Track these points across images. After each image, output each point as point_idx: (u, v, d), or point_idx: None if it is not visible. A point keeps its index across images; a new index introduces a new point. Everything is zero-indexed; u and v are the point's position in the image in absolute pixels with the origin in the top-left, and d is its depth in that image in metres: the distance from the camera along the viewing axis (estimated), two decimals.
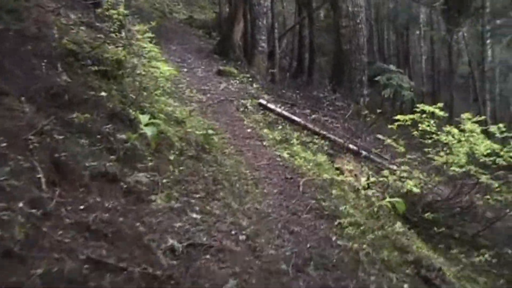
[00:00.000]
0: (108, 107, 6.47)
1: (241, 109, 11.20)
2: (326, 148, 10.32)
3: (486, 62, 23.15)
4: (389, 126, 9.59)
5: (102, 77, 7.17)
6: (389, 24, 30.09)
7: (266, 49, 15.20)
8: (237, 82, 13.19)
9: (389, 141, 9.73)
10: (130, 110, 6.63)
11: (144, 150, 6.15)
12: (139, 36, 13.11)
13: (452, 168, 8.07)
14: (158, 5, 27.71)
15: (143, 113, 7.00)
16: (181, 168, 6.41)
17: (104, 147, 5.64)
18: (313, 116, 12.49)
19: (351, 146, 10.92)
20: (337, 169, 9.33)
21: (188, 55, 15.96)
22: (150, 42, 15.09)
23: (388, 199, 7.39)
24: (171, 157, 6.49)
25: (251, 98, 12.22)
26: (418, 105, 9.29)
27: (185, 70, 13.84)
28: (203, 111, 10.62)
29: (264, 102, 11.34)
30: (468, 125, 8.72)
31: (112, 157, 5.56)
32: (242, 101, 11.63)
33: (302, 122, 11.06)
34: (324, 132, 11.02)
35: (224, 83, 12.88)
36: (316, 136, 10.99)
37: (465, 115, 9.13)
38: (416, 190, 7.85)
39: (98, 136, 5.79)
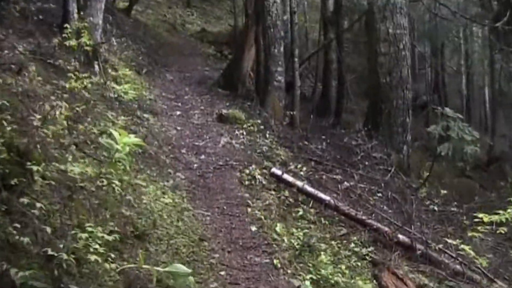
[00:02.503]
0: None
1: (247, 183, 7.99)
2: (366, 249, 7.02)
3: None
4: (469, 234, 6.40)
5: None
6: (423, 39, 26.76)
7: (283, 83, 11.95)
8: (244, 133, 9.96)
9: (465, 248, 6.46)
10: (12, 271, 3.40)
11: None
12: (115, 72, 10.03)
13: None
14: (169, 16, 24.60)
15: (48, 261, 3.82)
16: None
17: None
18: (346, 184, 9.22)
19: (401, 237, 7.64)
20: None
21: (186, 88, 12.81)
22: (138, 72, 11.98)
23: None
24: None
25: (262, 159, 9.01)
26: None
27: (178, 113, 10.70)
28: (190, 190, 7.45)
29: (278, 172, 8.09)
30: None
31: None
32: (249, 167, 8.40)
33: (332, 201, 7.80)
34: (363, 217, 7.75)
35: (226, 136, 9.67)
36: (351, 221, 7.78)
37: None
38: None
39: None
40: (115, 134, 6.01)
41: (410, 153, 12.64)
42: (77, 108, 7.45)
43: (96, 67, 10.06)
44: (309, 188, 7.98)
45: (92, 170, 5.42)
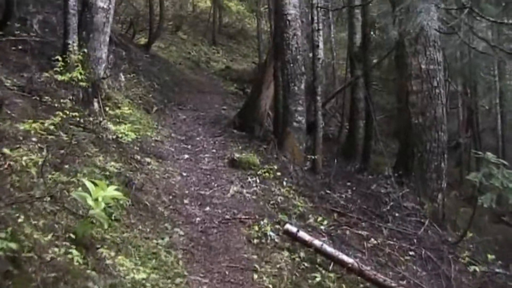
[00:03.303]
0: None
1: (256, 241, 6.83)
2: None
3: None
4: None
5: None
6: (455, 77, 25.51)
7: (304, 124, 10.79)
8: (258, 180, 8.81)
9: None
10: None
11: None
12: (118, 110, 9.07)
13: None
14: (193, 53, 23.88)
15: None
16: None
17: None
18: (373, 240, 7.99)
19: None
20: None
21: (199, 128, 11.79)
22: (147, 111, 11.00)
23: None
24: None
25: (276, 212, 7.88)
26: None
27: (186, 156, 9.66)
28: (188, 249, 6.33)
29: (293, 229, 6.91)
30: None
31: None
32: (260, 222, 7.26)
33: (356, 264, 6.58)
34: (392, 285, 6.50)
35: (237, 184, 8.55)
36: None
37: None
38: None
39: None
40: (90, 185, 5.00)
41: (445, 201, 11.32)
42: (61, 152, 6.52)
43: (96, 104, 9.15)
44: (329, 249, 6.78)
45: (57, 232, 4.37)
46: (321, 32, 11.72)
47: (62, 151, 6.57)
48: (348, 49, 16.28)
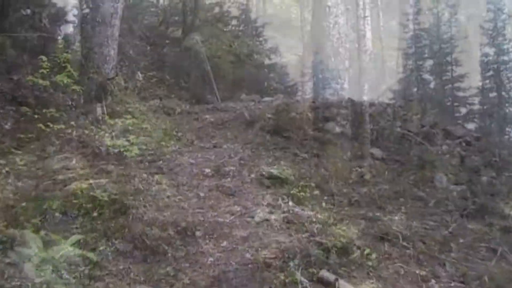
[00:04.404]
0: None
1: None
2: None
3: None
4: None
5: None
6: None
7: (348, 129, 9.20)
8: (291, 202, 7.23)
9: None
10: None
11: None
12: (128, 117, 7.66)
13: None
14: (235, 46, 22.31)
15: None
16: None
17: None
18: (433, 283, 6.30)
19: None
20: None
21: (228, 133, 10.58)
22: (169, 114, 9.70)
23: None
24: None
25: (310, 246, 6.28)
26: None
27: (207, 171, 8.29)
28: None
29: (331, 277, 5.33)
30: None
31: None
32: (289, 263, 5.70)
33: None
34: None
35: (265, 208, 7.00)
36: None
37: None
38: None
39: None
40: (36, 242, 3.59)
41: None
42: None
43: (99, 110, 7.76)
44: None
45: None
46: (368, 20, 9.99)
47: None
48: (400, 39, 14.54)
